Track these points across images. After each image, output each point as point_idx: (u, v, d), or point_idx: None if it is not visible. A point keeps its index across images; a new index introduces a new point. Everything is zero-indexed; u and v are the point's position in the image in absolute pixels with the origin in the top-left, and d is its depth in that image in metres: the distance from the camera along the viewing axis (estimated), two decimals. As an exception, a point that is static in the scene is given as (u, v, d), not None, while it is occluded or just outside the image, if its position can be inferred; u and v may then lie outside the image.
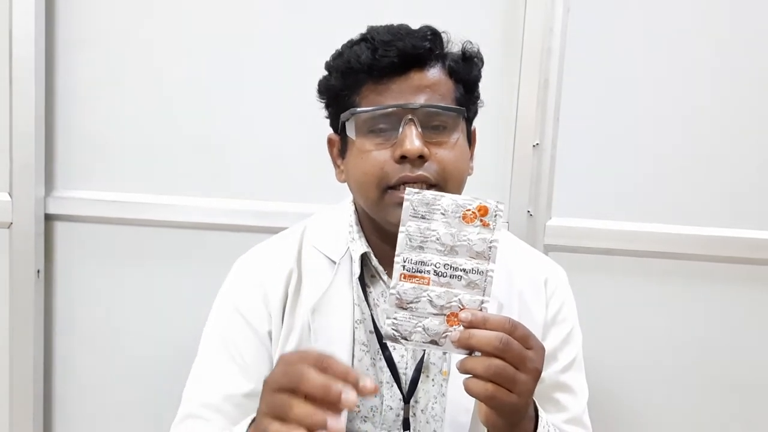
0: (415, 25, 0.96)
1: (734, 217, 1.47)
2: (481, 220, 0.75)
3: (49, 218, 1.52)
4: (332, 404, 0.67)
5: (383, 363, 0.97)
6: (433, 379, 0.98)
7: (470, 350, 0.74)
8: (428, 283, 0.75)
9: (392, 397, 0.97)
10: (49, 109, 1.50)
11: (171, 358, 1.51)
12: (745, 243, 1.46)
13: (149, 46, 1.49)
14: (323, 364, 0.68)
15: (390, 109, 0.90)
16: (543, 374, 0.97)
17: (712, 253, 1.47)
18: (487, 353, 0.73)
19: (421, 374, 0.97)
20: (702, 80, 1.45)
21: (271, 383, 0.71)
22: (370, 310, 0.98)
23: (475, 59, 0.98)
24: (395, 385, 0.97)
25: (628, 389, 1.52)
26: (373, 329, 0.97)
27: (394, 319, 0.75)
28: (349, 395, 0.67)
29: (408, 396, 0.97)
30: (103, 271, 1.54)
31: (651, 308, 1.50)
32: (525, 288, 1.03)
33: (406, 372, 0.98)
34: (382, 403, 0.97)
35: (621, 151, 1.47)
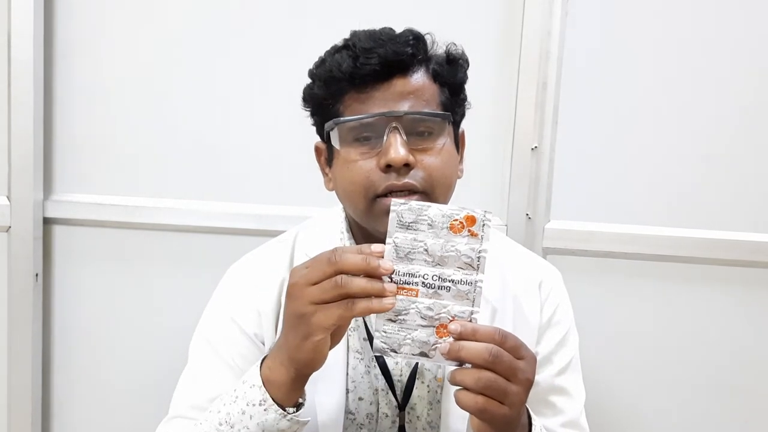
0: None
1: (733, 220, 1.46)
2: (469, 230, 0.74)
3: (47, 222, 1.52)
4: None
5: (377, 370, 0.97)
6: (427, 386, 0.98)
7: (460, 362, 0.74)
8: (417, 295, 0.74)
9: (387, 404, 0.97)
10: (47, 112, 1.50)
11: (169, 362, 1.50)
12: (743, 246, 1.46)
13: (148, 49, 1.49)
14: (360, 251, 0.73)
15: (373, 118, 0.89)
16: (538, 378, 0.98)
17: (710, 255, 1.46)
18: (477, 365, 0.72)
19: (416, 381, 0.97)
20: (700, 83, 1.44)
21: (299, 282, 0.74)
22: (363, 317, 0.97)
23: (460, 61, 0.96)
24: (390, 392, 0.97)
25: (626, 392, 1.52)
26: (366, 337, 0.97)
27: (383, 332, 0.75)
28: (386, 262, 0.71)
29: (403, 403, 0.97)
30: (102, 275, 1.54)
31: (649, 311, 1.50)
32: (519, 292, 1.03)
33: (401, 379, 0.97)
34: (377, 410, 0.97)
35: (619, 153, 1.47)
